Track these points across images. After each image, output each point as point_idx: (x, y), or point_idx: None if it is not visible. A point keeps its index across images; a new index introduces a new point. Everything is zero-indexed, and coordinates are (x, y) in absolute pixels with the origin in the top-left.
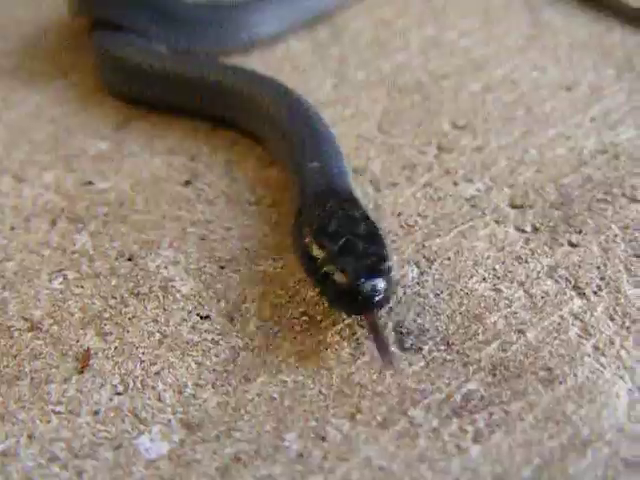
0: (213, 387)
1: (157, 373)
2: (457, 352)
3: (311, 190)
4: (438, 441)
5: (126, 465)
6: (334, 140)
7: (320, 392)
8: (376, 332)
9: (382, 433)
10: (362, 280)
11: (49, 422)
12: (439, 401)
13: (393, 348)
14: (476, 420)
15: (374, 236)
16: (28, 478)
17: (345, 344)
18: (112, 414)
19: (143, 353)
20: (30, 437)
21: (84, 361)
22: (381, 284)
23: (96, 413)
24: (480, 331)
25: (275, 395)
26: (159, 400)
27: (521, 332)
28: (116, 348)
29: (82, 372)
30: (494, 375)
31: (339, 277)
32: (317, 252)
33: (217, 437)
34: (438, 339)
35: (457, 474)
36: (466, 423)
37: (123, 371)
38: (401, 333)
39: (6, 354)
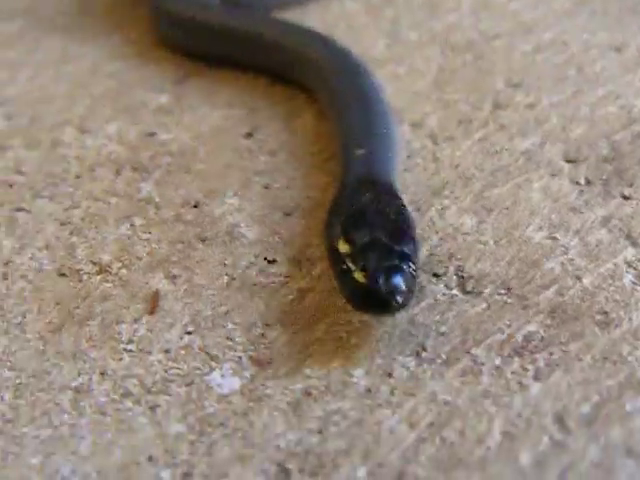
0: (282, 326)
1: (226, 313)
2: (517, 296)
3: (350, 179)
4: (501, 378)
5: (198, 400)
6: (387, 117)
7: (385, 332)
8: None
9: (446, 370)
10: (381, 281)
11: (121, 360)
12: (501, 341)
13: (455, 291)
14: (536, 359)
15: (403, 234)
16: (102, 413)
17: None
18: (183, 352)
19: (212, 294)
20: (102, 374)
21: (153, 302)
22: (401, 286)
23: (167, 351)
24: (538, 276)
25: (342, 334)
26: (229, 339)
27: (577, 278)
28: (185, 290)
29: (152, 313)
30: (553, 318)
31: (358, 276)
32: (342, 246)
33: (287, 374)
34: (498, 283)
35: (519, 409)
36: (527, 362)
37: (192, 311)
38: (462, 277)
39: (76, 296)
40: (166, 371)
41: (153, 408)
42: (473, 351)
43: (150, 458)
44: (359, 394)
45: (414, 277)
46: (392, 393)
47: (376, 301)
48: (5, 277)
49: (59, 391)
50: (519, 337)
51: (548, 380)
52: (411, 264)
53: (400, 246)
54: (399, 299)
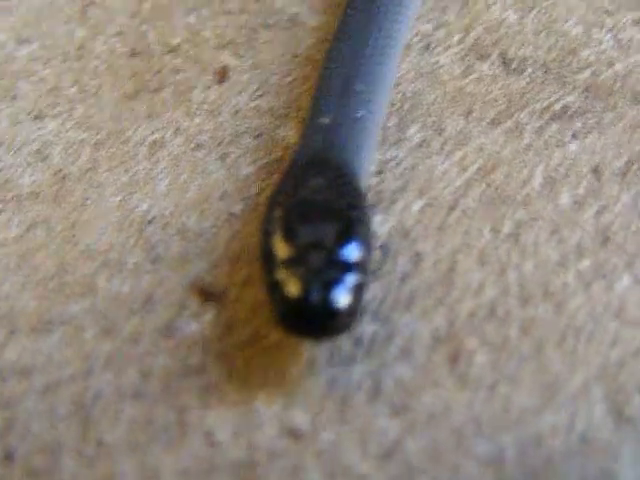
0: None
1: (290, 82)
2: (555, 75)
3: (301, 157)
4: (542, 137)
5: (266, 148)
6: (381, 66)
7: (436, 98)
8: None
9: (493, 129)
10: (315, 295)
11: (193, 119)
12: (541, 109)
13: (499, 70)
14: (574, 124)
15: (353, 236)
16: (176, 161)
17: (456, 65)
18: (252, 113)
19: (278, 67)
20: (176, 131)
21: (222, 75)
22: (341, 302)
23: (237, 112)
24: (574, 61)
25: None
26: (295, 100)
27: (610, 64)
28: (251, 64)
29: (221, 82)
30: (588, 93)
31: (291, 288)
32: (276, 249)
33: None
34: (538, 65)
35: (559, 161)
36: (565, 125)
37: (260, 80)
38: (505, 60)
39: (149, 70)
40: (236, 127)
41: (224, 156)
42: (516, 115)
43: (223, 195)
44: (413, 146)
45: (360, 292)
46: (443, 146)
47: (308, 322)
48: (79, 58)
49: (135, 145)
50: (558, 106)
51: (585, 140)
52: (358, 275)
53: (347, 252)
54: (339, 318)
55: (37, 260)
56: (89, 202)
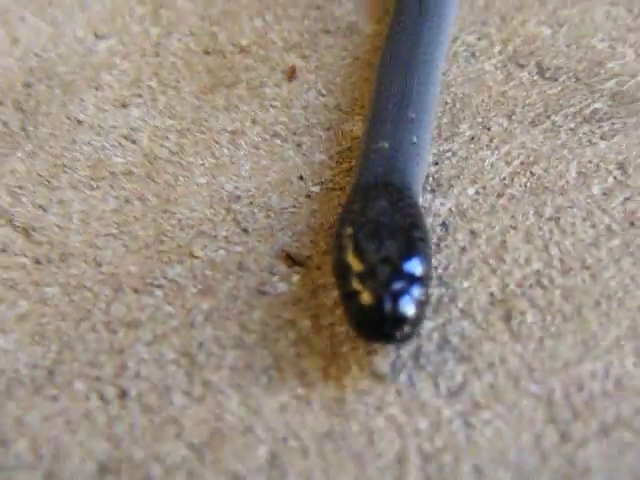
0: None
1: (353, 83)
2: (585, 84)
3: (365, 179)
4: (575, 137)
5: (336, 139)
6: (429, 91)
7: (482, 100)
8: None
9: (532, 128)
10: (387, 307)
11: (268, 112)
12: (574, 112)
13: (536, 77)
14: (602, 126)
15: (416, 252)
16: (256, 148)
17: (498, 72)
18: (320, 108)
19: (339, 69)
20: (253, 122)
21: (291, 73)
22: (409, 312)
23: (306, 107)
24: (602, 72)
25: None
26: (359, 98)
27: (633, 75)
28: (316, 66)
29: (290, 81)
30: (614, 100)
31: (365, 297)
32: (349, 263)
33: None
34: (570, 74)
35: (590, 158)
36: (595, 127)
37: (325, 80)
38: (541, 68)
39: (222, 67)
40: (307, 120)
41: (299, 145)
42: (552, 117)
43: (300, 177)
44: (465, 141)
45: (424, 303)
46: (491, 142)
47: (380, 327)
48: (156, 54)
49: (217, 133)
50: (587, 111)
51: (612, 140)
52: (422, 288)
53: (412, 267)
54: (406, 327)
55: (135, 230)
56: (179, 181)
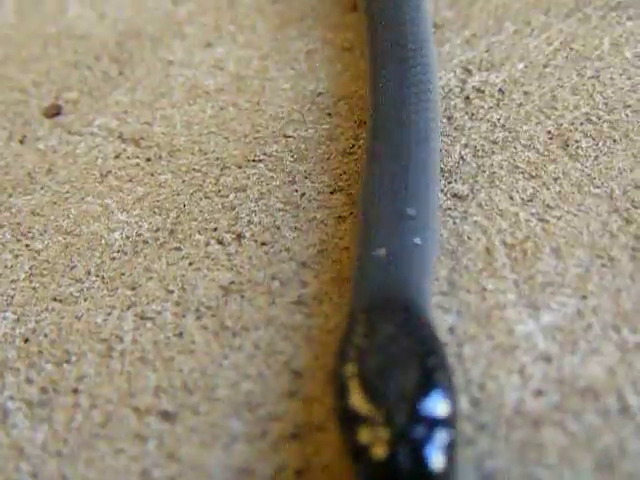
0: None
1: None
2: None
3: (363, 302)
4: (605, 21)
5: None
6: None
7: (521, 2)
8: None
9: (567, 19)
10: (404, 458)
11: (337, 35)
12: (601, 5)
13: None
14: (628, 11)
15: (435, 387)
16: (330, 63)
17: None
18: None
19: None
20: (324, 42)
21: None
22: (434, 465)
23: None
24: None
25: None
26: None
27: None
28: None
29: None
30: None
31: (377, 450)
32: (355, 408)
33: None
34: None
35: (620, 34)
36: (621, 12)
37: None
38: None
39: (289, 10)
40: None
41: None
42: (583, 9)
43: None
44: (510, 33)
45: (452, 448)
46: (532, 32)
47: None
48: (231, 7)
49: (295, 53)
50: (613, 3)
51: (637, 20)
52: (447, 430)
53: (431, 406)
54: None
55: (233, 126)
56: (266, 89)
